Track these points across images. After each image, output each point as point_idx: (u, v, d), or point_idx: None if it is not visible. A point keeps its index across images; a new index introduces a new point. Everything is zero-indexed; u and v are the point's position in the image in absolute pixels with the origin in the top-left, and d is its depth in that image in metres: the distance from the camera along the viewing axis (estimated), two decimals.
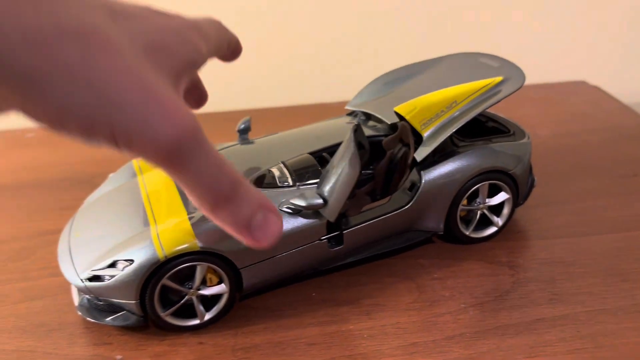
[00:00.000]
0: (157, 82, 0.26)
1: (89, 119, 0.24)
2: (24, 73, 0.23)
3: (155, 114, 0.25)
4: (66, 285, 0.49)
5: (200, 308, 0.43)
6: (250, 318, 0.45)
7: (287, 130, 0.56)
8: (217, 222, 0.29)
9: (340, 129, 0.55)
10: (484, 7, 0.89)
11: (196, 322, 0.44)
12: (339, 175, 0.42)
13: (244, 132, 0.54)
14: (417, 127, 0.48)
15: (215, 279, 0.44)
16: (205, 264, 0.42)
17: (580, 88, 0.88)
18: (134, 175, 0.50)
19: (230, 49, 0.38)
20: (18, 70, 0.23)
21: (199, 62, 0.32)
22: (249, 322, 0.44)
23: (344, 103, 0.59)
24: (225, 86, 0.90)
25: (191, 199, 0.29)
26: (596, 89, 0.88)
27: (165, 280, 0.41)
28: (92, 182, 0.66)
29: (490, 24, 0.91)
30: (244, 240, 0.29)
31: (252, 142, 0.53)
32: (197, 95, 0.41)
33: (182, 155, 0.25)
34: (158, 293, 0.41)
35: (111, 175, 0.53)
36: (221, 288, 0.44)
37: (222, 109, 0.86)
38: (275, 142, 0.53)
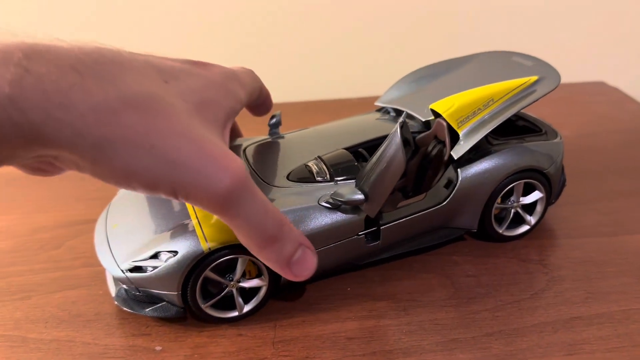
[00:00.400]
0: (209, 138, 0.29)
1: (153, 179, 0.27)
2: (94, 142, 0.26)
3: (211, 171, 0.28)
4: (99, 275, 0.49)
5: (239, 300, 0.43)
6: (287, 311, 0.45)
7: (317, 125, 0.56)
8: (263, 260, 0.33)
9: (372, 124, 0.55)
10: (502, 6, 0.89)
11: (235, 314, 0.44)
12: (382, 170, 0.42)
13: (275, 127, 0.54)
14: (454, 124, 0.48)
15: (254, 272, 0.44)
16: (247, 257, 0.42)
17: (600, 89, 0.89)
18: None
19: (261, 99, 0.41)
20: (90, 140, 0.25)
21: (239, 109, 0.36)
22: (286, 315, 0.44)
23: (362, 99, 0.59)
24: None
25: (240, 239, 0.32)
26: (616, 90, 0.88)
27: (207, 272, 0.41)
28: None
29: (508, 24, 0.91)
30: (284, 275, 0.33)
31: (283, 137, 0.53)
32: (232, 135, 0.46)
33: (234, 202, 0.28)
34: (200, 285, 0.42)
35: None
36: (260, 281, 0.44)
37: None
38: (308, 137, 0.53)
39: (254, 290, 0.44)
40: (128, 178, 0.26)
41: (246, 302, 0.44)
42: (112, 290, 0.45)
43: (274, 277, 0.44)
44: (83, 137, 0.25)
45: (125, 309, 0.43)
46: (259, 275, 0.44)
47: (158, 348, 0.42)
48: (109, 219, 0.47)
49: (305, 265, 0.32)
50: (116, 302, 0.44)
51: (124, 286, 0.44)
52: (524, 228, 0.52)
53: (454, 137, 0.48)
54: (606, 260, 0.49)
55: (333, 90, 0.90)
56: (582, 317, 0.44)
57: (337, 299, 0.46)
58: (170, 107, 0.28)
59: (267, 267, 0.43)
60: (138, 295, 0.43)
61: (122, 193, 0.50)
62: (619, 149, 0.69)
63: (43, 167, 0.31)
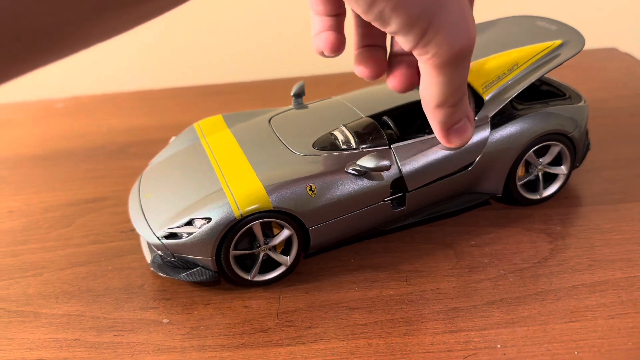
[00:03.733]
0: None
1: (417, 14, 0.27)
2: None
3: (461, 22, 0.28)
4: (108, 251, 0.50)
5: (258, 266, 0.44)
6: (292, 283, 0.45)
7: (340, 94, 0.56)
8: (431, 116, 0.33)
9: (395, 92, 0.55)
10: None
11: (265, 277, 0.45)
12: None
13: (298, 97, 0.55)
14: (479, 90, 0.48)
15: (280, 245, 0.45)
16: (277, 221, 0.43)
17: (611, 55, 0.87)
18: (197, 138, 0.51)
19: None
20: None
21: None
22: (291, 286, 0.45)
23: None
24: (260, 55, 0.90)
25: (425, 92, 0.32)
26: (627, 56, 0.86)
27: (254, 226, 0.43)
28: (125, 151, 0.67)
29: None
30: (439, 138, 0.34)
31: (306, 107, 0.54)
32: None
33: (459, 60, 0.29)
34: (233, 249, 0.43)
35: (173, 138, 0.53)
36: (285, 259, 0.45)
37: (260, 77, 0.86)
38: (332, 106, 0.54)
39: (272, 265, 0.45)
40: (396, 8, 0.26)
41: (261, 273, 0.45)
42: (148, 257, 0.46)
43: (296, 261, 0.46)
44: None
45: (161, 274, 0.45)
46: (285, 252, 0.45)
47: (165, 320, 0.43)
48: (142, 190, 0.48)
49: (462, 136, 0.33)
50: (152, 268, 0.45)
51: (160, 253, 0.45)
52: (550, 191, 0.52)
53: (479, 103, 0.48)
54: (612, 228, 0.49)
55: (343, 64, 0.89)
56: (585, 284, 0.44)
57: (340, 271, 0.46)
58: None
59: (297, 234, 0.44)
60: (173, 261, 0.44)
61: (153, 165, 0.51)
62: (629, 115, 0.68)
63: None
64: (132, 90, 0.85)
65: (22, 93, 0.83)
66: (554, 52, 0.48)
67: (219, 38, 0.89)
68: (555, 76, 0.57)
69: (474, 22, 0.29)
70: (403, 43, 0.29)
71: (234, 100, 0.80)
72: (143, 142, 0.68)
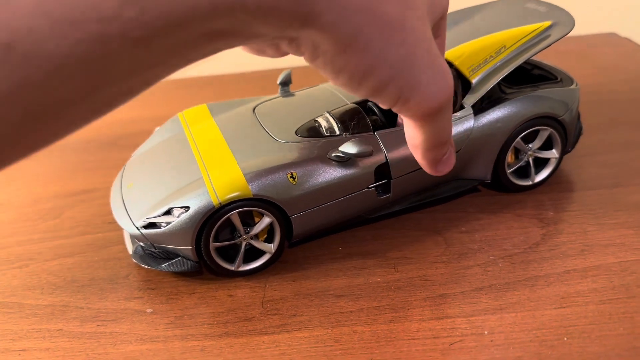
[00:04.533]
0: (434, 43, 0.27)
1: (388, 79, 0.25)
2: (351, 33, 0.23)
3: (435, 77, 0.27)
4: (96, 242, 0.50)
5: (241, 256, 0.44)
6: (278, 272, 0.45)
7: (328, 82, 0.55)
8: (420, 158, 0.33)
9: None
10: None
11: (250, 267, 0.44)
12: None
13: (285, 85, 0.54)
14: (466, 73, 0.47)
15: (262, 234, 0.45)
16: (257, 210, 0.43)
17: (610, 40, 0.86)
18: (181, 128, 0.50)
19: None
20: (347, 30, 0.23)
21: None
22: (277, 275, 0.45)
23: None
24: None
25: (412, 140, 0.32)
26: (627, 41, 0.85)
27: (232, 216, 0.42)
28: (116, 143, 0.67)
29: None
30: (429, 171, 0.34)
31: (293, 95, 0.53)
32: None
33: (439, 112, 0.28)
34: (213, 238, 0.42)
35: (157, 128, 0.53)
36: (269, 247, 0.44)
37: (250, 69, 0.86)
38: (318, 93, 0.53)
39: (256, 254, 0.45)
40: (366, 74, 0.25)
41: (245, 262, 0.45)
42: (130, 248, 0.46)
43: (280, 249, 0.45)
44: (346, 20, 0.23)
45: (142, 265, 0.44)
46: (268, 240, 0.45)
47: (149, 310, 0.42)
48: (124, 179, 0.48)
49: (449, 163, 0.33)
50: (134, 260, 0.45)
51: (141, 244, 0.44)
52: (540, 177, 0.51)
53: (466, 86, 0.47)
54: (605, 213, 0.48)
55: None
56: (576, 269, 0.43)
57: (328, 259, 0.46)
58: (418, 2, 0.26)
59: (279, 222, 0.43)
60: (154, 251, 0.44)
61: (136, 155, 0.51)
62: (624, 100, 0.67)
63: (266, 49, 0.29)
64: None
65: None
66: (543, 34, 0.47)
67: None
68: (553, 61, 0.56)
69: (447, 69, 0.28)
70: (379, 103, 0.27)
71: (225, 91, 0.79)
72: (133, 134, 0.67)
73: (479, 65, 0.47)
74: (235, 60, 0.89)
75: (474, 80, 0.47)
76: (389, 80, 0.25)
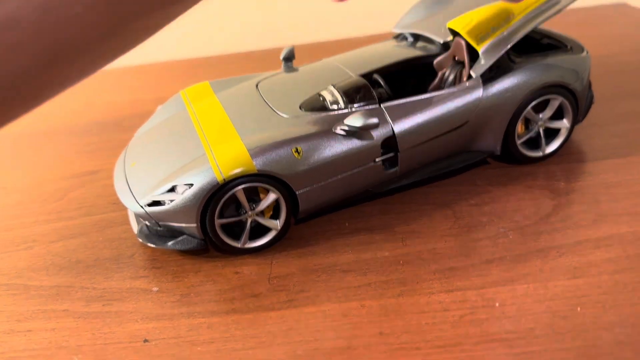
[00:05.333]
0: None
1: None
2: None
3: None
4: (100, 223, 0.49)
5: (247, 232, 0.43)
6: (285, 248, 0.44)
7: (332, 56, 0.55)
8: None
9: (388, 51, 0.53)
10: None
11: (256, 244, 0.44)
12: None
13: (288, 60, 0.53)
14: (473, 42, 0.46)
15: (268, 211, 0.44)
16: (263, 185, 0.42)
17: (621, 10, 0.83)
18: (183, 106, 0.50)
19: None
20: None
21: None
22: (284, 252, 0.44)
23: (372, 37, 0.57)
24: (253, 26, 0.88)
25: None
26: (638, 11, 0.82)
27: (237, 192, 0.41)
28: (120, 124, 0.66)
29: None
30: None
31: (297, 70, 0.52)
32: None
33: None
34: (218, 215, 0.41)
35: (159, 107, 0.52)
36: (275, 223, 0.44)
37: (254, 48, 0.85)
38: (323, 67, 0.52)
39: (263, 231, 0.44)
40: None
41: (251, 240, 0.44)
42: (135, 227, 0.45)
43: (286, 225, 0.44)
44: None
45: (148, 244, 0.43)
46: (274, 217, 0.44)
47: (155, 289, 0.42)
48: (127, 159, 0.47)
49: None
50: (139, 239, 0.44)
51: (146, 223, 0.44)
52: (551, 148, 0.50)
53: (474, 56, 0.46)
54: (618, 183, 0.47)
55: (342, 29, 0.87)
56: (589, 240, 0.42)
57: (335, 234, 0.45)
58: None
59: (285, 198, 0.43)
60: (159, 230, 0.43)
61: (139, 134, 0.50)
62: (635, 70, 0.65)
63: None
64: (127, 66, 0.83)
65: None
66: (551, 1, 0.46)
67: (212, 11, 0.87)
68: (563, 31, 0.54)
69: None
70: None
71: (229, 71, 0.78)
72: (137, 115, 0.67)
73: (487, 33, 0.46)
74: (238, 39, 0.88)
75: (481, 49, 0.45)
76: None
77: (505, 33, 0.46)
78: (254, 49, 0.84)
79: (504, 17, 0.46)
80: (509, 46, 0.45)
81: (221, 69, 0.79)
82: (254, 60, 0.81)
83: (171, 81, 0.77)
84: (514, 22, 0.46)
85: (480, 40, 0.46)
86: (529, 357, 0.34)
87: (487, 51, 0.45)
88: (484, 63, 0.45)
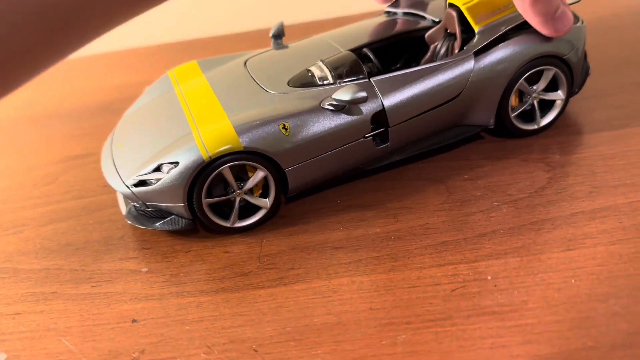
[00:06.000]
0: None
1: None
2: None
3: None
4: (89, 206, 0.49)
5: (236, 212, 0.42)
6: (276, 227, 0.44)
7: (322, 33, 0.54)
8: (530, 13, 0.34)
9: (378, 26, 0.52)
10: None
11: (246, 223, 0.43)
12: None
13: (277, 37, 0.52)
14: (472, 20, 0.45)
15: (257, 189, 0.43)
16: (249, 163, 0.41)
17: None
18: (171, 85, 0.49)
19: None
20: None
21: None
22: (274, 230, 0.43)
23: (365, 14, 0.56)
24: (244, 6, 0.87)
25: None
26: None
27: (224, 170, 0.41)
28: (109, 108, 0.66)
29: None
30: (545, 30, 0.35)
31: (286, 47, 0.51)
32: None
33: None
34: (205, 194, 0.41)
35: (147, 88, 0.52)
36: (264, 202, 0.43)
37: (245, 29, 0.83)
38: (312, 43, 0.51)
39: (253, 210, 0.43)
40: None
41: (241, 219, 0.43)
42: (123, 209, 0.45)
43: (276, 204, 0.43)
44: None
45: (137, 225, 0.43)
46: (263, 196, 0.43)
47: (144, 269, 0.41)
48: (115, 141, 0.47)
49: (565, 21, 0.34)
50: (128, 220, 0.44)
51: (134, 204, 0.43)
52: (547, 120, 0.49)
53: (465, 27, 0.46)
54: (615, 154, 0.46)
55: (333, 8, 0.85)
56: (584, 211, 0.41)
57: (326, 212, 0.44)
58: None
59: (273, 176, 0.42)
60: (148, 211, 0.43)
61: (127, 115, 0.49)
62: (637, 40, 0.64)
63: None
64: (118, 50, 0.82)
65: None
66: None
67: None
68: None
69: None
70: None
71: (219, 52, 0.77)
72: (127, 99, 0.65)
73: (487, 14, 0.46)
74: (230, 20, 0.86)
75: (478, 29, 0.45)
76: None
77: (503, 18, 0.45)
78: (247, 30, 0.83)
79: (504, 4, 0.46)
80: (504, 31, 0.45)
81: (212, 51, 0.78)
82: (247, 40, 0.80)
83: (162, 64, 0.76)
84: (513, 12, 0.45)
85: (478, 19, 0.45)
86: (521, 330, 0.33)
87: (483, 32, 0.45)
88: (477, 42, 0.45)
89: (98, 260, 0.43)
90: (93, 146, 0.58)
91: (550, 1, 0.32)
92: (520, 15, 0.45)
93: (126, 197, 0.43)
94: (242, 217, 0.43)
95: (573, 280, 0.36)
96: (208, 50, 0.79)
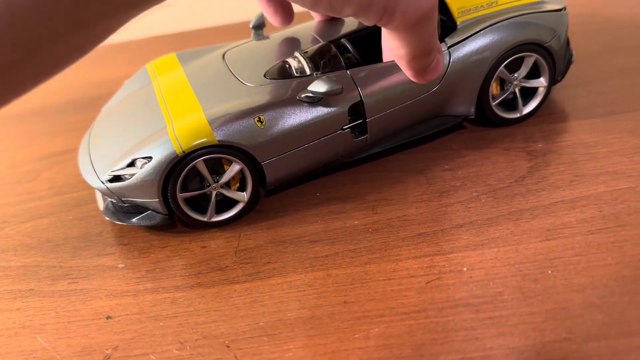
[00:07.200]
0: None
1: (369, 2, 0.26)
2: None
3: None
4: (70, 202, 0.49)
5: (213, 206, 0.42)
6: (254, 221, 0.43)
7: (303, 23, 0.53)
8: (407, 67, 0.32)
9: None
10: None
11: (223, 217, 0.43)
12: None
13: (258, 28, 0.51)
14: (454, 12, 0.45)
15: (235, 183, 0.43)
16: (223, 157, 0.41)
17: None
18: (149, 79, 0.48)
19: None
20: None
21: None
22: (252, 224, 0.43)
23: None
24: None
25: (394, 51, 0.31)
26: None
27: (198, 163, 0.40)
28: (95, 103, 0.65)
29: None
30: (415, 79, 0.33)
31: (267, 38, 0.51)
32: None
33: (426, 22, 0.28)
34: (180, 188, 0.41)
35: (126, 82, 0.51)
36: (241, 196, 0.43)
37: (237, 20, 0.83)
38: (293, 34, 0.50)
39: (231, 204, 0.43)
40: (344, 1, 0.26)
41: (219, 213, 0.43)
42: (101, 204, 0.45)
43: (254, 197, 0.43)
44: None
45: (114, 221, 0.43)
46: (241, 189, 0.43)
47: (121, 265, 0.41)
48: (92, 136, 0.46)
49: (437, 71, 0.32)
50: (105, 216, 0.43)
51: (111, 200, 0.43)
52: (528, 109, 0.48)
53: (446, 20, 0.46)
54: (597, 142, 0.45)
55: None
56: (564, 200, 0.40)
57: (305, 205, 0.44)
58: None
59: (250, 170, 0.42)
60: (124, 206, 0.43)
61: (105, 110, 0.49)
62: (623, 25, 0.63)
63: None
64: (104, 44, 0.82)
65: None
66: (535, 5, 0.46)
67: None
68: None
69: None
70: (364, 20, 0.28)
71: (207, 45, 0.77)
72: (113, 93, 0.65)
73: (469, 10, 0.45)
74: (222, 11, 0.86)
75: (459, 23, 0.45)
76: (368, 2, 0.26)
77: (485, 16, 0.45)
78: (240, 21, 0.82)
79: (487, 1, 0.46)
80: (484, 27, 0.44)
81: (199, 44, 0.78)
82: (233, 32, 0.79)
83: (150, 58, 0.75)
84: (495, 10, 0.45)
85: (461, 14, 0.45)
86: (495, 322, 0.33)
87: (464, 27, 0.44)
88: (458, 36, 0.45)
89: (76, 256, 0.43)
90: (78, 142, 0.56)
91: (428, 57, 0.31)
92: (502, 14, 0.45)
93: (102, 193, 0.43)
94: (220, 211, 0.43)
95: (550, 271, 0.35)
96: (195, 43, 0.78)
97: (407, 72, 0.32)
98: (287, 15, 0.44)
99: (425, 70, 0.32)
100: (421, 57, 0.31)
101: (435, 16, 0.29)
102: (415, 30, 0.28)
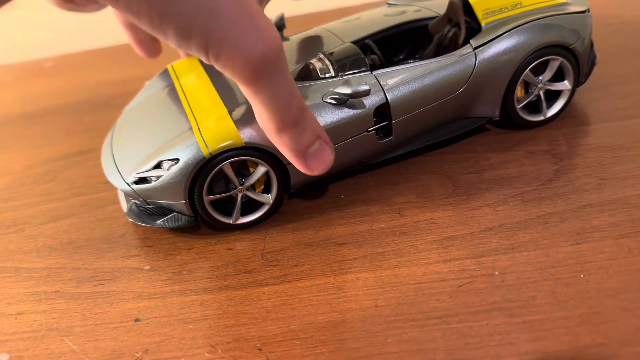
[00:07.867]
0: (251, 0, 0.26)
1: (188, 23, 0.24)
2: None
3: (248, 29, 0.25)
4: (91, 203, 0.49)
5: (239, 208, 0.42)
6: (279, 223, 0.43)
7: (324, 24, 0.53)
8: (279, 144, 0.30)
9: (380, 16, 0.52)
10: None
11: (249, 219, 0.43)
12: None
13: (278, 30, 0.51)
14: (479, 14, 0.45)
15: (259, 185, 0.43)
16: (251, 159, 0.40)
17: None
18: (170, 80, 0.48)
19: None
20: None
21: None
22: (277, 226, 0.43)
23: (367, 5, 0.55)
24: None
25: (260, 119, 0.30)
26: None
27: (224, 167, 0.40)
28: (111, 103, 0.65)
29: None
30: (298, 166, 0.31)
31: (287, 39, 0.51)
32: None
33: (265, 72, 0.26)
34: (206, 191, 0.40)
35: (147, 82, 0.51)
36: (266, 198, 0.43)
37: None
38: (314, 36, 0.50)
39: (255, 207, 0.43)
40: (162, 19, 0.24)
41: (243, 215, 0.43)
42: (124, 206, 0.44)
43: (279, 199, 0.43)
44: None
45: (138, 223, 0.42)
46: (265, 191, 0.43)
47: (146, 267, 0.41)
48: (115, 137, 0.46)
49: (322, 159, 0.30)
50: (129, 218, 0.43)
51: (135, 201, 0.43)
52: (552, 111, 0.48)
53: (471, 22, 0.46)
54: (622, 145, 0.45)
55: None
56: (592, 204, 0.40)
57: (330, 207, 0.44)
58: None
59: (275, 171, 0.41)
60: (149, 208, 0.42)
61: (127, 111, 0.49)
62: None
63: (77, 0, 0.29)
64: (119, 44, 0.82)
65: (11, 55, 0.81)
66: (559, 7, 0.46)
67: None
68: None
69: (268, 24, 0.25)
70: (193, 54, 0.26)
71: None
72: (128, 94, 0.65)
73: (494, 11, 0.45)
74: None
75: (484, 24, 0.45)
76: (188, 27, 0.24)
77: (511, 17, 0.45)
78: None
79: (512, 3, 0.46)
80: (511, 27, 0.44)
81: None
82: None
83: (165, 58, 0.75)
84: (519, 12, 0.45)
85: (486, 15, 0.45)
86: (529, 326, 0.33)
87: (489, 28, 0.44)
88: (483, 37, 0.44)
89: (100, 258, 0.42)
90: (94, 142, 0.57)
91: (300, 136, 0.29)
92: (527, 15, 0.45)
93: (126, 194, 0.43)
94: (244, 213, 0.43)
95: (582, 275, 0.35)
96: None
97: (284, 152, 0.30)
98: (154, 48, 0.43)
99: (305, 154, 0.29)
100: (289, 128, 0.28)
101: (283, 64, 0.26)
102: (255, 84, 0.26)
